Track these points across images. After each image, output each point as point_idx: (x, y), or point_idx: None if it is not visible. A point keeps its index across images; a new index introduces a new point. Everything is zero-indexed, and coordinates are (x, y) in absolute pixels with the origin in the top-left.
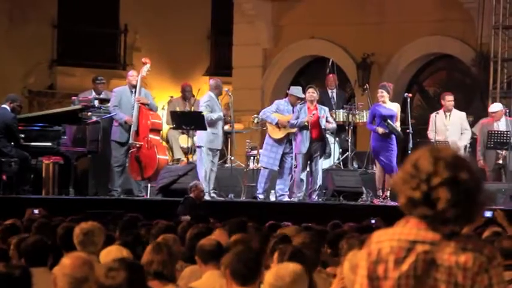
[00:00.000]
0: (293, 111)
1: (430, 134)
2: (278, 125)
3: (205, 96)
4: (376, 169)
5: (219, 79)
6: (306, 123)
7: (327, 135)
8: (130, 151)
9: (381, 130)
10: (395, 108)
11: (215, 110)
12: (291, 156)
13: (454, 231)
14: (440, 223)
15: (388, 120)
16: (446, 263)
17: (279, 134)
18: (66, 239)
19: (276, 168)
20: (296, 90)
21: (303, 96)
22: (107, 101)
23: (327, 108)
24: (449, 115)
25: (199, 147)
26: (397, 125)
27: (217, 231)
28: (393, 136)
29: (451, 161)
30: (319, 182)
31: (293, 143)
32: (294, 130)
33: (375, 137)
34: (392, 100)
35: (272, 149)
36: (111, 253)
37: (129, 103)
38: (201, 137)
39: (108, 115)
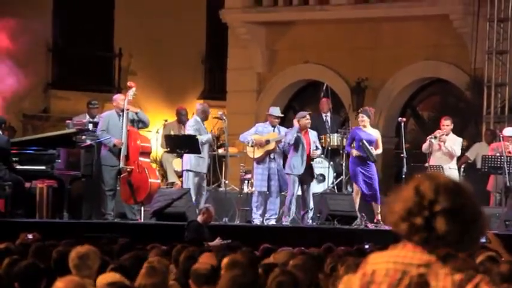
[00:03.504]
0: (273, 131)
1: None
2: (256, 145)
3: (192, 121)
4: (353, 192)
5: (207, 104)
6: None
7: (321, 159)
8: (121, 175)
9: (355, 152)
10: (375, 134)
11: (201, 134)
12: (277, 176)
13: (450, 253)
14: (439, 246)
15: (363, 141)
16: (440, 286)
17: (258, 153)
18: (60, 263)
19: (265, 189)
20: (275, 110)
21: (281, 115)
22: None
23: (315, 133)
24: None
25: (186, 171)
26: (376, 151)
27: (204, 255)
28: (371, 162)
29: (451, 188)
30: (311, 204)
31: (275, 160)
32: (273, 147)
33: (352, 161)
34: (387, 124)
35: (257, 170)
36: (108, 279)
37: (117, 127)
38: (186, 160)
39: (98, 139)
